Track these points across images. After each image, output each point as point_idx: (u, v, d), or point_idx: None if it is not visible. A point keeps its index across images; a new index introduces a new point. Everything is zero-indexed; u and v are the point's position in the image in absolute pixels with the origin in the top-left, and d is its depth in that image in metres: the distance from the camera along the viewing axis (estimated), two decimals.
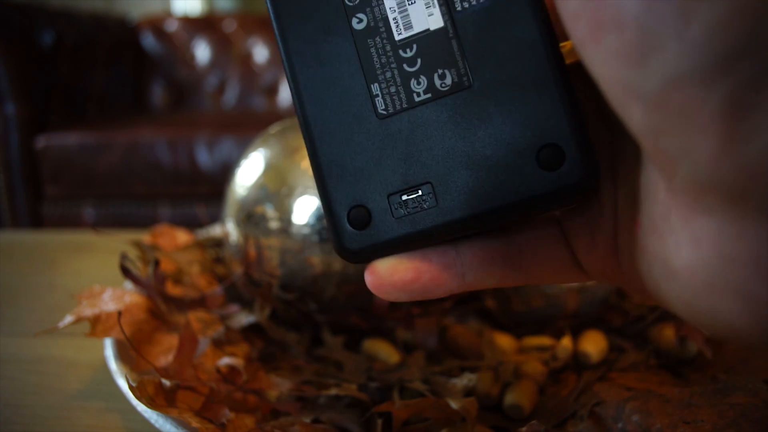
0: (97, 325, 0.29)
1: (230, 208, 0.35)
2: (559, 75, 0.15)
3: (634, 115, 0.12)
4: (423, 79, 0.16)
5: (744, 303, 0.12)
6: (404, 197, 0.16)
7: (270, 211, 0.32)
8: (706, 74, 0.11)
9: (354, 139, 0.17)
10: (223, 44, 1.74)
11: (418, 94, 0.16)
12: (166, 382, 0.25)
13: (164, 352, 0.29)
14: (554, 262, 0.18)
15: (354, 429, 0.25)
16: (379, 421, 0.25)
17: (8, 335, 0.38)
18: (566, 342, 0.30)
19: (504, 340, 0.31)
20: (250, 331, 0.33)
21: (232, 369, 0.28)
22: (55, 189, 1.29)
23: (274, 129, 0.36)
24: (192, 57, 1.74)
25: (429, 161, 0.16)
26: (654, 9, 0.11)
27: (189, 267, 0.38)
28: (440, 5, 0.16)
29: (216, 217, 1.16)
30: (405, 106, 0.16)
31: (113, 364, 0.27)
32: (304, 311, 0.33)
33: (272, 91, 1.73)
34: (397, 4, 0.16)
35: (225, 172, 1.23)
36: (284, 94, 1.72)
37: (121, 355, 0.28)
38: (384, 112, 0.16)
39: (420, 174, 0.16)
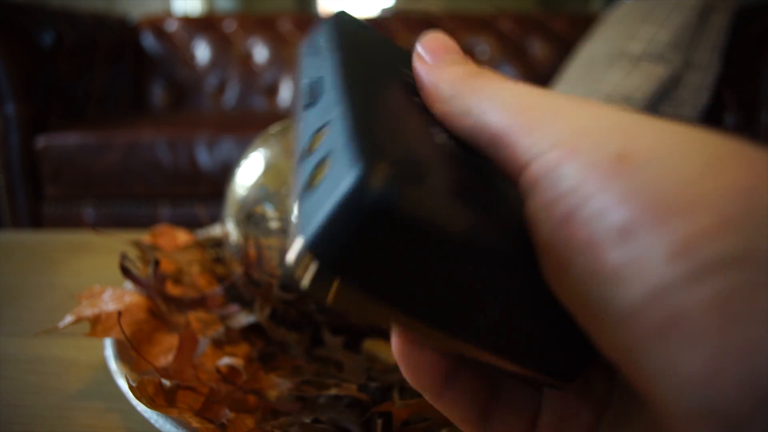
0: (97, 325, 0.29)
1: (230, 208, 0.35)
2: None
3: (604, 337, 0.11)
4: None
5: None
6: None
7: (270, 211, 0.32)
8: (693, 278, 0.09)
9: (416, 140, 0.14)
10: (223, 44, 1.74)
11: None
12: (166, 382, 0.25)
13: (164, 352, 0.29)
14: (516, 421, 0.17)
15: (354, 429, 0.25)
16: (379, 421, 0.25)
17: (8, 335, 0.37)
18: None
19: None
20: (250, 331, 0.33)
21: (232, 369, 0.28)
22: (55, 189, 1.29)
23: (274, 129, 0.36)
24: (192, 57, 1.73)
25: None
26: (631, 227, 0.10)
27: (189, 267, 0.38)
28: None
29: (216, 217, 1.15)
30: None
31: (113, 364, 0.27)
32: (304, 311, 0.33)
33: (272, 91, 1.73)
34: None
35: (225, 172, 1.23)
36: (284, 94, 1.72)
37: (121, 355, 0.28)
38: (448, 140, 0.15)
39: None
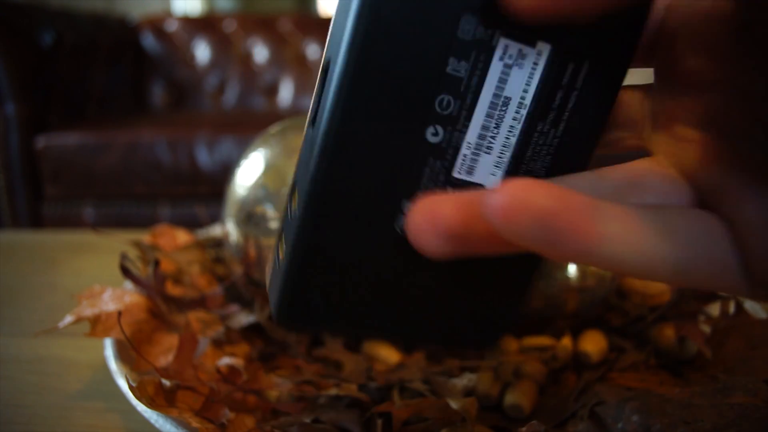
0: (97, 325, 0.29)
1: (230, 208, 0.35)
2: None
3: None
4: None
5: None
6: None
7: (270, 211, 0.32)
8: None
9: (356, 238, 0.15)
10: (223, 44, 1.74)
11: None
12: (166, 382, 0.25)
13: (164, 352, 0.29)
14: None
15: (354, 429, 0.25)
16: (379, 421, 0.25)
17: (8, 335, 0.38)
18: (566, 342, 0.30)
19: (504, 340, 0.31)
20: (250, 331, 0.33)
21: (232, 369, 0.28)
22: (55, 189, 1.29)
23: (274, 129, 0.36)
24: (192, 57, 1.74)
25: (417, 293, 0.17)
26: None
27: (189, 267, 0.38)
28: (504, 172, 0.15)
29: (216, 217, 1.16)
30: None
31: (113, 364, 0.27)
32: None
33: (272, 91, 1.73)
34: (476, 145, 0.15)
35: (225, 172, 1.23)
36: (284, 94, 1.72)
37: (121, 355, 0.28)
38: (401, 232, 0.15)
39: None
